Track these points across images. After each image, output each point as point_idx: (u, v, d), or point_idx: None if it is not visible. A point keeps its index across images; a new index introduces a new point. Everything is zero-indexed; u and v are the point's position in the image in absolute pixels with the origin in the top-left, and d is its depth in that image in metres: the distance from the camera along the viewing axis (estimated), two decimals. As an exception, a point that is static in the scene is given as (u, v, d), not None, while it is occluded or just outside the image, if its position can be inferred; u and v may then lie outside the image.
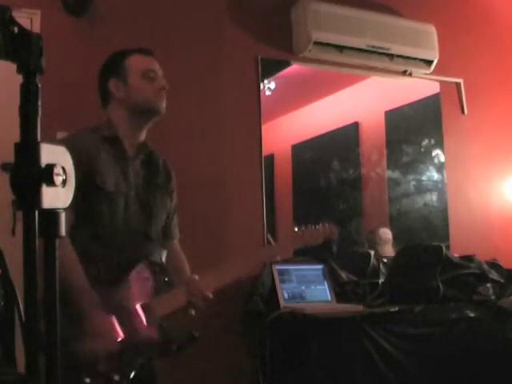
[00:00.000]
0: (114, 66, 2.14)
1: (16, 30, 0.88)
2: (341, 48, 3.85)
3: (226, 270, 2.12)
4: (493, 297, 3.41)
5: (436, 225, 4.29)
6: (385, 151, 4.23)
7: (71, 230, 1.86)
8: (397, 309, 3.19)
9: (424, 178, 4.31)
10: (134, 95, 2.09)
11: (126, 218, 2.02)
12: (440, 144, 4.32)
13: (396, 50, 3.99)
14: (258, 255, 2.36)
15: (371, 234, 4.10)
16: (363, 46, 3.88)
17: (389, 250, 4.02)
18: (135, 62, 2.12)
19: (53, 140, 1.90)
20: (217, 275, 2.08)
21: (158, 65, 2.17)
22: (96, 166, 2.00)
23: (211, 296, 2.01)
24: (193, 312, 2.00)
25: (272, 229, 3.67)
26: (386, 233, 4.10)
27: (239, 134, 3.68)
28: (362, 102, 4.27)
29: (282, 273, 3.33)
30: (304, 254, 3.64)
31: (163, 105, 2.12)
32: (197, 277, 2.05)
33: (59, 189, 0.88)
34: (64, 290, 1.69)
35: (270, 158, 3.82)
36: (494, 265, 3.62)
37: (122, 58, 2.13)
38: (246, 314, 3.32)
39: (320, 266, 3.47)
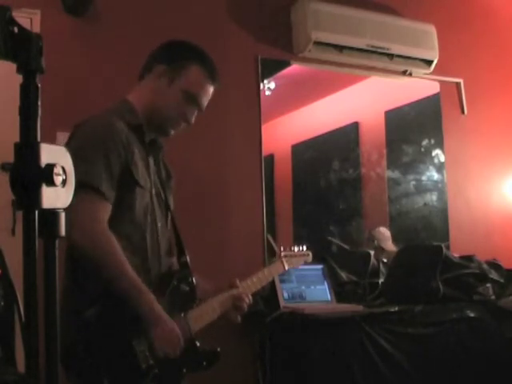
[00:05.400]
0: (177, 57, 1.93)
1: (16, 29, 0.88)
2: (341, 48, 3.85)
3: (256, 278, 2.10)
4: (493, 297, 3.41)
5: (436, 225, 4.29)
6: (385, 151, 4.23)
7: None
8: (397, 309, 3.19)
9: (424, 178, 4.31)
10: (161, 100, 1.91)
11: (154, 221, 1.88)
12: (440, 144, 4.33)
13: (396, 49, 3.99)
14: (275, 269, 2.27)
15: (372, 232, 4.12)
16: (363, 46, 3.88)
17: (391, 245, 4.05)
18: (195, 77, 1.92)
19: (92, 115, 1.86)
20: (250, 281, 2.07)
21: (208, 100, 1.97)
22: (133, 155, 1.82)
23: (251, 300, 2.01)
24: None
25: (272, 229, 3.68)
26: (385, 230, 4.13)
27: (239, 133, 3.68)
28: (362, 101, 4.27)
29: (281, 273, 3.32)
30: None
31: (173, 132, 1.97)
32: (238, 281, 2.01)
33: (59, 189, 0.88)
34: (118, 290, 1.69)
35: (270, 158, 3.82)
36: (493, 265, 3.62)
37: (190, 59, 1.92)
38: (246, 314, 3.32)
39: (320, 266, 3.47)
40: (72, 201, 1.75)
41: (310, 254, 2.42)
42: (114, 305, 1.72)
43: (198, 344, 1.87)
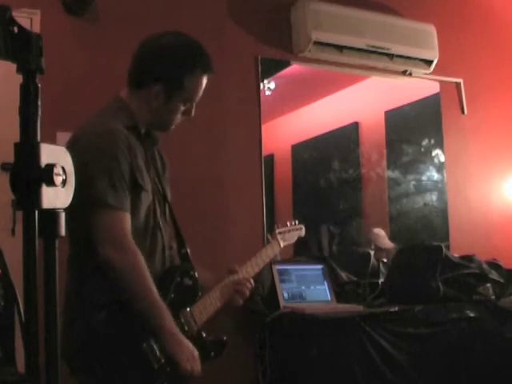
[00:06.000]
0: (173, 74, 1.87)
1: (16, 29, 0.88)
2: (341, 48, 3.85)
3: (254, 262, 2.14)
4: (493, 297, 3.41)
5: (436, 225, 4.29)
6: (385, 151, 4.23)
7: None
8: (397, 309, 3.19)
9: (424, 178, 4.31)
10: (161, 116, 1.91)
11: (156, 220, 1.89)
12: (440, 144, 4.32)
13: (396, 49, 3.99)
14: (271, 248, 2.29)
15: (368, 235, 4.15)
16: (363, 46, 3.88)
17: (388, 243, 4.08)
18: (193, 84, 1.89)
19: (89, 122, 1.85)
20: (248, 266, 2.10)
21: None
22: (136, 160, 1.81)
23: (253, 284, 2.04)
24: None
25: (272, 229, 3.67)
26: (379, 230, 4.16)
27: (239, 133, 3.68)
28: (362, 101, 4.27)
29: (281, 273, 3.32)
30: (303, 254, 3.65)
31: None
32: (237, 266, 2.04)
33: (59, 189, 0.88)
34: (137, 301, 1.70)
35: (270, 158, 3.82)
36: (493, 265, 3.62)
37: (185, 73, 1.87)
38: (245, 314, 3.32)
39: (320, 266, 3.47)
40: (96, 219, 1.77)
41: (303, 227, 2.46)
42: (121, 309, 1.72)
43: (204, 335, 1.89)
